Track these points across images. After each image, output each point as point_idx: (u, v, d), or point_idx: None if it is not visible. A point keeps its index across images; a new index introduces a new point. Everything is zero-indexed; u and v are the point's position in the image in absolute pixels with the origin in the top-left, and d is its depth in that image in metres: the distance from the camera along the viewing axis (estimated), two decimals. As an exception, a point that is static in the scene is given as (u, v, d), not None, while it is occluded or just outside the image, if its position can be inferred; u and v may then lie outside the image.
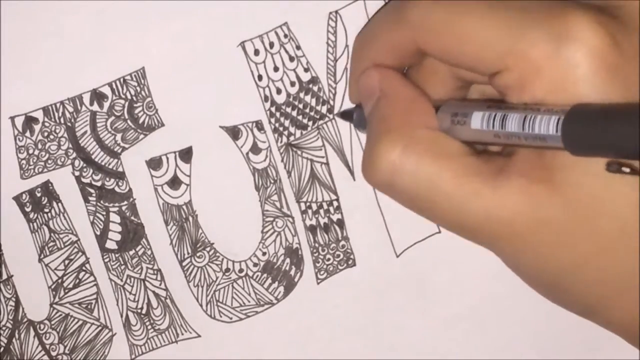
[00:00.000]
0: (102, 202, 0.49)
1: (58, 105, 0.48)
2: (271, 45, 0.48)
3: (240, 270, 0.50)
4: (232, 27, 0.48)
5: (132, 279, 0.49)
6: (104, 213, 0.49)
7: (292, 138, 0.49)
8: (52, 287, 0.49)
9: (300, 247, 0.50)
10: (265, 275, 0.50)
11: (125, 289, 0.50)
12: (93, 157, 0.48)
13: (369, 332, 0.51)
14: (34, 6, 0.46)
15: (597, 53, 0.37)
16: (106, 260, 0.49)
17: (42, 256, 0.49)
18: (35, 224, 0.48)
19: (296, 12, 0.48)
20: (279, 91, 0.49)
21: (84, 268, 0.49)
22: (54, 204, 0.48)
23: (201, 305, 0.50)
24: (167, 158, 0.49)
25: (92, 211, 0.49)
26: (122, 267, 0.49)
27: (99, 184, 0.49)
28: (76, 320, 0.50)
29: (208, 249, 0.50)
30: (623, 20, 0.38)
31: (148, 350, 0.50)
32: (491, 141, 0.40)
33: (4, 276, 0.49)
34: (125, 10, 0.47)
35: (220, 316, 0.50)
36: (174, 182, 0.49)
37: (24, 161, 0.48)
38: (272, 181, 0.49)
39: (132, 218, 0.49)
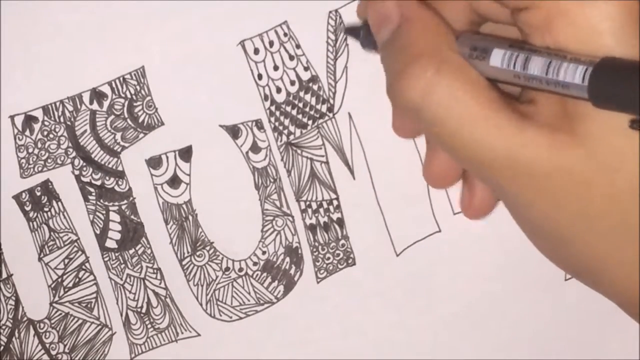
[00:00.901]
0: (101, 201, 0.49)
1: (58, 104, 0.48)
2: (271, 44, 0.48)
3: (240, 269, 0.50)
4: (232, 26, 0.48)
5: (132, 277, 0.50)
6: (104, 212, 0.49)
7: (292, 137, 0.49)
8: (52, 286, 0.49)
9: (300, 246, 0.50)
10: (265, 274, 0.50)
11: (125, 288, 0.50)
12: (93, 156, 0.48)
13: (368, 331, 0.51)
14: (34, 5, 0.46)
15: (627, 6, 0.37)
16: (106, 259, 0.49)
17: (41, 255, 0.49)
18: (35, 222, 0.49)
19: (296, 11, 0.48)
20: (278, 90, 0.49)
21: (83, 267, 0.49)
22: (54, 203, 0.48)
23: (201, 304, 0.50)
24: (167, 157, 0.49)
25: (91, 210, 0.49)
26: (122, 266, 0.49)
27: (98, 183, 0.49)
28: (76, 319, 0.50)
29: (208, 248, 0.50)
30: None
31: (148, 349, 0.50)
32: (509, 81, 0.39)
33: (4, 275, 0.49)
34: (125, 9, 0.47)
35: (220, 315, 0.50)
36: (174, 181, 0.49)
37: (23, 160, 0.48)
38: (272, 180, 0.49)
39: (132, 217, 0.49)
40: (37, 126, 0.48)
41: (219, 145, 0.49)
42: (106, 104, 0.48)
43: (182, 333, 0.50)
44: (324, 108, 0.49)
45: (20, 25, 0.46)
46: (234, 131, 0.49)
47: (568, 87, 0.37)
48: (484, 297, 0.51)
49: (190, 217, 0.49)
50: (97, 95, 0.48)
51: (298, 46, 0.49)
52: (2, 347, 0.49)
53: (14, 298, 0.49)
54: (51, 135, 0.48)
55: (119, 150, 0.48)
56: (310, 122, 0.49)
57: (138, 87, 0.48)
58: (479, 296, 0.51)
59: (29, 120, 0.48)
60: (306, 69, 0.49)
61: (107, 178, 0.49)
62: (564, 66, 0.37)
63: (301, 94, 0.49)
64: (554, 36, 0.38)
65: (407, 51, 0.41)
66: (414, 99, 0.40)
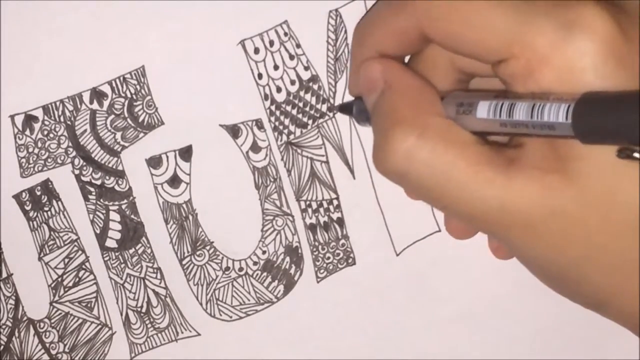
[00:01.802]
0: (102, 200, 0.49)
1: (58, 103, 0.48)
2: (271, 43, 0.48)
3: (240, 269, 0.50)
4: (232, 25, 0.48)
5: (132, 277, 0.50)
6: (104, 211, 0.49)
7: (292, 137, 0.49)
8: (52, 285, 0.49)
9: (300, 246, 0.50)
10: (265, 273, 0.50)
11: (125, 288, 0.50)
12: (93, 155, 0.48)
13: (368, 330, 0.51)
14: (34, 5, 0.46)
15: (606, 41, 0.37)
16: (106, 258, 0.49)
17: (41, 255, 0.49)
18: (35, 222, 0.49)
19: (296, 10, 0.48)
20: (279, 89, 0.49)
21: (83, 266, 0.49)
22: (54, 202, 0.48)
23: (201, 304, 0.50)
24: (167, 156, 0.49)
25: (92, 210, 0.49)
26: (122, 265, 0.49)
27: (98, 182, 0.49)
28: (76, 318, 0.50)
29: (208, 247, 0.50)
30: (626, 9, 0.38)
31: (148, 349, 0.50)
32: (497, 131, 0.39)
33: (4, 274, 0.49)
34: (125, 9, 0.47)
35: (220, 315, 0.50)
36: (174, 181, 0.49)
37: (23, 159, 0.48)
38: (272, 180, 0.49)
39: (132, 216, 0.49)
40: (37, 125, 0.48)
41: (219, 144, 0.49)
42: (106, 103, 0.48)
43: (182, 333, 0.50)
44: (324, 108, 0.49)
45: (20, 24, 0.46)
46: (234, 131, 0.49)
47: (554, 128, 0.37)
48: (483, 297, 0.51)
49: (191, 217, 0.49)
50: (97, 94, 0.48)
51: (298, 46, 0.49)
52: (2, 347, 0.49)
53: (14, 297, 0.49)
54: (51, 135, 0.48)
55: (119, 149, 0.48)
56: (310, 122, 0.49)
57: (138, 87, 0.48)
58: (479, 296, 0.51)
59: (29, 119, 0.48)
60: (306, 68, 0.49)
61: (107, 177, 0.49)
62: (547, 107, 0.37)
63: (301, 93, 0.49)
64: (536, 82, 0.38)
65: (389, 118, 0.41)
66: (398, 164, 0.40)
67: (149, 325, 0.50)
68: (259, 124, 0.49)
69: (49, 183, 0.48)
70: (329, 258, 0.50)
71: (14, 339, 0.49)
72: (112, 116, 0.48)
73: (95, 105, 0.48)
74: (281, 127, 0.49)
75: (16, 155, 0.48)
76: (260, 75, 0.48)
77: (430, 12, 0.41)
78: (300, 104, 0.49)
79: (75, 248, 0.49)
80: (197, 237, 0.49)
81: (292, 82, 0.49)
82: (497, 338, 0.52)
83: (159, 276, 0.50)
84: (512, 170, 0.39)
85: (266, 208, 0.50)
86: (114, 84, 0.48)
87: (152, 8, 0.47)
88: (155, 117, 0.48)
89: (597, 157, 0.38)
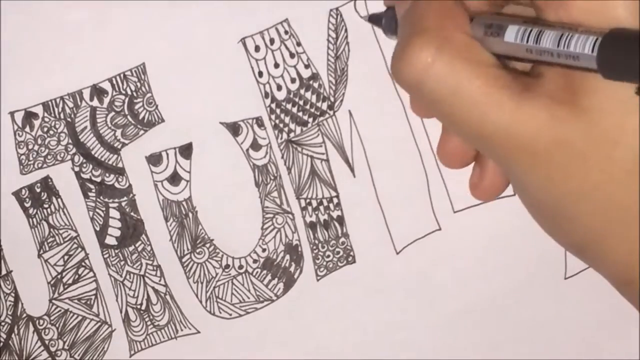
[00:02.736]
0: (101, 197, 0.49)
1: (58, 100, 0.48)
2: (272, 41, 0.48)
3: (240, 267, 0.50)
4: (233, 24, 0.48)
5: (132, 274, 0.49)
6: (104, 209, 0.49)
7: (292, 134, 0.49)
8: (52, 282, 0.49)
9: (300, 244, 0.50)
10: (264, 271, 0.50)
11: (125, 285, 0.50)
12: (93, 152, 0.48)
13: (368, 328, 0.51)
14: (34, 2, 0.46)
15: None
16: (106, 256, 0.49)
17: (41, 252, 0.49)
18: (34, 219, 0.48)
19: (297, 9, 0.48)
20: (279, 87, 0.49)
21: (83, 264, 0.49)
22: (54, 199, 0.48)
23: (201, 302, 0.50)
24: (167, 154, 0.49)
25: (91, 207, 0.49)
26: (122, 262, 0.49)
27: (98, 179, 0.49)
28: (75, 315, 0.50)
29: (208, 245, 0.50)
30: None
31: (147, 346, 0.50)
32: (521, 56, 0.40)
33: (3, 271, 0.49)
34: (125, 6, 0.47)
35: (220, 312, 0.50)
36: (174, 178, 0.49)
37: (23, 156, 0.48)
38: (272, 178, 0.49)
39: (132, 214, 0.49)
40: (37, 122, 0.48)
41: (219, 142, 0.49)
42: (106, 100, 0.48)
43: (182, 330, 0.50)
44: (324, 106, 0.49)
45: (20, 22, 0.46)
46: (234, 128, 0.49)
47: (578, 58, 0.37)
48: (483, 295, 0.51)
49: (190, 214, 0.49)
50: (97, 91, 0.48)
51: (299, 44, 0.49)
52: (1, 344, 0.49)
53: (13, 294, 0.49)
54: (51, 132, 0.48)
55: (119, 147, 0.48)
56: (310, 120, 0.49)
57: (138, 84, 0.48)
58: (479, 294, 0.51)
59: (29, 116, 0.48)
60: (307, 66, 0.49)
61: (107, 175, 0.49)
62: (575, 37, 0.37)
63: (302, 91, 0.49)
64: (567, 11, 0.38)
65: (414, 26, 0.41)
66: (414, 75, 0.40)
67: (149, 323, 0.50)
68: (259, 122, 0.49)
69: (49, 180, 0.48)
70: (328, 256, 0.50)
71: (13, 336, 0.49)
72: (113, 113, 0.48)
73: (95, 102, 0.48)
74: (281, 125, 0.49)
75: (16, 152, 0.48)
76: (260, 73, 0.48)
77: None
78: (301, 102, 0.49)
79: (75, 245, 0.49)
80: (197, 235, 0.49)
81: (293, 80, 0.49)
82: (497, 337, 0.52)
83: (158, 274, 0.50)
84: (524, 96, 0.39)
85: (266, 206, 0.50)
86: (114, 81, 0.48)
87: (153, 5, 0.47)
88: (155, 114, 0.48)
89: (612, 94, 0.38)
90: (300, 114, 0.49)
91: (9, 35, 0.46)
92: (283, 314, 0.50)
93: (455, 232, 0.51)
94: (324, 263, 0.50)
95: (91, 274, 0.49)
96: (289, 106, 0.49)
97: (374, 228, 0.50)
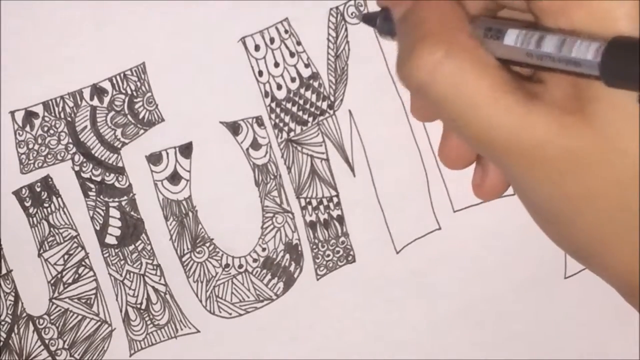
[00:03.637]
0: (101, 197, 0.49)
1: (58, 100, 0.48)
2: (272, 40, 0.48)
3: (240, 266, 0.50)
4: (233, 23, 0.48)
5: (132, 274, 0.49)
6: (104, 208, 0.49)
7: (292, 134, 0.49)
8: (52, 281, 0.49)
9: (300, 243, 0.50)
10: (264, 271, 0.50)
11: (125, 284, 0.50)
12: (93, 152, 0.48)
13: (368, 328, 0.51)
14: (35, 2, 0.46)
15: None
16: (106, 255, 0.49)
17: (41, 251, 0.49)
18: (34, 218, 0.49)
19: (297, 8, 0.48)
20: (279, 87, 0.49)
21: (83, 263, 0.49)
22: (54, 198, 0.48)
23: (201, 301, 0.50)
24: (167, 153, 0.49)
25: (91, 206, 0.49)
26: (122, 262, 0.49)
27: (98, 179, 0.49)
28: (75, 315, 0.50)
29: (208, 244, 0.50)
30: None
31: (147, 346, 0.50)
32: (520, 60, 0.39)
33: (4, 271, 0.49)
34: (125, 5, 0.47)
35: (220, 312, 0.50)
36: (174, 178, 0.49)
37: (23, 156, 0.48)
38: (272, 177, 0.49)
39: (132, 213, 0.49)
40: (37, 122, 0.48)
41: (219, 141, 0.49)
42: (107, 100, 0.48)
43: (182, 329, 0.50)
44: (324, 105, 0.49)
45: (20, 21, 0.46)
46: (234, 128, 0.49)
47: (580, 65, 0.37)
48: (483, 295, 0.51)
49: (190, 214, 0.49)
50: (97, 91, 0.48)
51: (299, 43, 0.49)
52: (1, 343, 0.49)
53: (13, 294, 0.49)
54: (51, 131, 0.48)
55: (119, 146, 0.48)
56: (310, 119, 0.49)
57: (138, 83, 0.48)
58: (479, 294, 0.51)
59: (30, 115, 0.48)
60: (307, 65, 0.49)
61: (107, 174, 0.49)
62: (577, 43, 0.37)
63: (302, 90, 0.49)
64: (568, 20, 0.38)
65: (418, 29, 0.41)
66: (422, 77, 0.40)
67: (149, 322, 0.50)
68: (259, 121, 0.49)
69: (49, 179, 0.48)
70: (328, 255, 0.50)
71: (13, 335, 0.49)
72: (113, 113, 0.48)
73: (95, 102, 0.48)
74: (281, 125, 0.49)
75: (16, 151, 0.48)
76: (260, 73, 0.48)
77: None
78: (301, 102, 0.49)
79: (75, 244, 0.49)
80: (197, 234, 0.49)
81: (293, 80, 0.49)
82: (497, 336, 0.52)
83: (158, 273, 0.50)
84: (532, 103, 0.39)
85: (266, 205, 0.50)
86: (114, 81, 0.48)
87: (153, 5, 0.47)
88: (155, 113, 0.48)
89: (617, 103, 0.38)
90: (300, 113, 0.49)
91: (9, 35, 0.46)
92: (283, 314, 0.50)
93: (455, 231, 0.51)
94: (324, 262, 0.50)
95: (91, 273, 0.49)
96: (289, 105, 0.49)
97: (374, 227, 0.50)
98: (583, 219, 0.40)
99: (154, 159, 0.49)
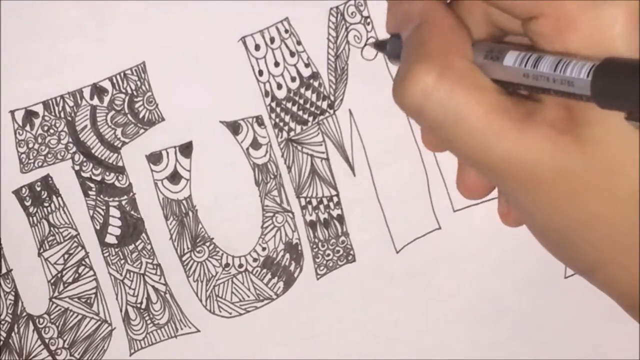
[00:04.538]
0: (102, 196, 0.49)
1: (58, 99, 0.48)
2: (272, 40, 0.48)
3: (240, 266, 0.50)
4: (233, 22, 0.48)
5: (132, 273, 0.49)
6: (104, 207, 0.49)
7: (292, 133, 0.49)
8: (52, 281, 0.49)
9: (300, 243, 0.50)
10: (264, 270, 0.50)
11: (125, 284, 0.50)
12: (93, 151, 0.48)
13: (368, 327, 0.51)
14: (35, 1, 0.46)
15: (636, 12, 0.37)
16: (106, 254, 0.49)
17: (41, 250, 0.49)
18: (34, 218, 0.49)
19: (297, 7, 0.48)
20: (279, 86, 0.49)
21: (83, 262, 0.49)
22: (54, 198, 0.48)
23: (201, 300, 0.50)
24: (167, 153, 0.49)
25: (91, 205, 0.49)
26: (122, 261, 0.49)
27: (98, 178, 0.49)
28: (75, 314, 0.50)
29: (208, 244, 0.50)
30: None
31: (147, 345, 0.50)
32: (518, 81, 0.40)
33: (4, 270, 0.49)
34: (126, 5, 0.47)
35: (220, 311, 0.50)
36: (174, 177, 0.49)
37: (23, 155, 0.48)
38: (272, 176, 0.49)
39: (132, 213, 0.49)
40: (37, 121, 0.48)
41: (219, 141, 0.49)
42: (107, 99, 0.48)
43: (182, 329, 0.50)
44: (324, 104, 0.49)
45: (20, 20, 0.46)
46: (234, 127, 0.49)
47: (573, 84, 0.37)
48: (483, 295, 0.51)
49: (191, 213, 0.49)
50: (97, 90, 0.48)
51: (299, 42, 0.49)
52: (1, 342, 0.49)
53: (13, 293, 0.49)
54: (51, 131, 0.48)
55: (119, 145, 0.48)
56: (310, 119, 0.49)
57: (139, 83, 0.48)
58: (479, 293, 0.51)
59: (30, 115, 0.48)
60: (307, 65, 0.49)
61: (108, 173, 0.49)
62: (572, 63, 0.37)
63: (302, 90, 0.49)
64: (563, 43, 0.38)
65: (417, 51, 0.41)
66: (416, 99, 0.40)
67: (149, 322, 0.50)
68: (259, 121, 0.49)
69: (49, 179, 0.48)
70: (328, 255, 0.50)
71: (13, 334, 0.49)
72: (113, 112, 0.48)
73: (95, 101, 0.48)
74: (281, 124, 0.49)
75: (16, 150, 0.48)
76: (260, 72, 0.49)
77: None
78: (301, 101, 0.49)
79: (75, 244, 0.49)
80: (197, 234, 0.49)
81: (293, 79, 0.49)
82: (497, 336, 0.52)
83: (158, 272, 0.50)
84: (526, 124, 0.39)
85: (266, 205, 0.50)
86: (114, 80, 0.48)
87: (153, 4, 0.47)
88: (155, 113, 0.48)
89: (612, 125, 0.38)
90: (300, 112, 0.49)
91: (9, 34, 0.46)
92: (283, 313, 0.50)
93: (455, 231, 0.51)
94: (324, 262, 0.50)
95: (91, 272, 0.49)
96: (289, 105, 0.49)
97: (374, 227, 0.50)
98: (583, 240, 0.40)
99: (154, 158, 0.49)
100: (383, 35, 0.48)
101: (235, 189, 0.49)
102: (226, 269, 0.50)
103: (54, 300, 0.49)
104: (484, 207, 0.50)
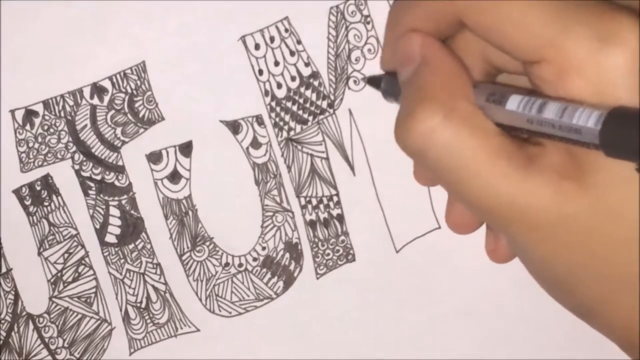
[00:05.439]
0: (101, 195, 0.49)
1: (58, 98, 0.48)
2: (272, 39, 0.48)
3: (240, 265, 0.50)
4: (233, 21, 0.48)
5: (132, 272, 0.49)
6: (104, 207, 0.49)
7: (292, 133, 0.49)
8: (52, 280, 0.49)
9: (300, 242, 0.50)
10: (264, 270, 0.50)
11: (125, 283, 0.50)
12: (93, 150, 0.48)
13: (368, 327, 0.51)
14: (35, 1, 0.46)
15: (637, 55, 0.37)
16: (106, 254, 0.49)
17: (41, 249, 0.49)
18: (34, 217, 0.49)
19: (297, 7, 0.48)
20: (279, 86, 0.49)
21: (83, 262, 0.49)
22: (54, 197, 0.48)
23: (200, 300, 0.50)
24: (167, 152, 0.49)
25: (91, 205, 0.49)
26: (122, 261, 0.49)
27: (98, 177, 0.49)
28: (75, 313, 0.50)
29: (207, 243, 0.50)
30: None
31: (147, 344, 0.50)
32: (521, 126, 0.39)
33: (3, 269, 0.49)
34: (125, 4, 0.47)
35: (220, 310, 0.50)
36: (174, 176, 0.49)
37: (23, 154, 0.48)
38: (272, 176, 0.49)
39: (132, 212, 0.49)
40: (37, 120, 0.48)
41: (219, 140, 0.49)
42: (107, 98, 0.48)
43: (182, 328, 0.50)
44: (324, 104, 0.49)
45: (20, 19, 0.46)
46: (234, 126, 0.49)
47: (580, 132, 0.36)
48: (483, 294, 0.51)
49: (190, 213, 0.49)
50: (97, 89, 0.48)
51: (299, 42, 0.49)
52: (1, 342, 0.49)
53: (13, 292, 0.49)
54: (51, 130, 0.48)
55: (119, 145, 0.48)
56: (310, 118, 0.49)
57: (139, 82, 0.48)
58: (479, 293, 0.51)
59: (30, 114, 0.48)
60: (307, 64, 0.49)
61: (107, 173, 0.49)
62: (578, 110, 0.37)
63: (302, 89, 0.49)
64: (566, 89, 0.38)
65: (419, 93, 0.41)
66: (418, 141, 0.40)
67: (149, 321, 0.50)
68: (259, 120, 0.49)
69: (49, 178, 0.48)
70: (328, 254, 0.50)
71: (13, 333, 0.49)
72: (113, 111, 0.48)
73: (95, 101, 0.48)
74: (281, 123, 0.49)
75: (16, 150, 0.48)
76: (260, 71, 0.48)
77: (470, 1, 0.40)
78: (301, 100, 0.49)
79: (75, 243, 0.49)
80: (197, 233, 0.49)
81: (293, 79, 0.49)
82: (497, 336, 0.52)
83: (158, 272, 0.50)
84: (529, 169, 0.39)
85: (266, 204, 0.50)
86: (114, 79, 0.48)
87: (153, 3, 0.47)
88: (155, 112, 0.48)
89: (616, 171, 0.38)
90: (300, 112, 0.49)
91: (9, 34, 0.46)
92: (283, 312, 0.50)
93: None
94: (324, 261, 0.50)
95: (91, 272, 0.49)
96: (289, 104, 0.49)
97: (374, 226, 0.50)
98: (582, 284, 0.40)
99: (154, 157, 0.49)
100: (383, 35, 0.48)
101: (235, 189, 0.49)
102: (226, 268, 0.50)
103: (53, 299, 0.49)
104: (483, 207, 0.50)
